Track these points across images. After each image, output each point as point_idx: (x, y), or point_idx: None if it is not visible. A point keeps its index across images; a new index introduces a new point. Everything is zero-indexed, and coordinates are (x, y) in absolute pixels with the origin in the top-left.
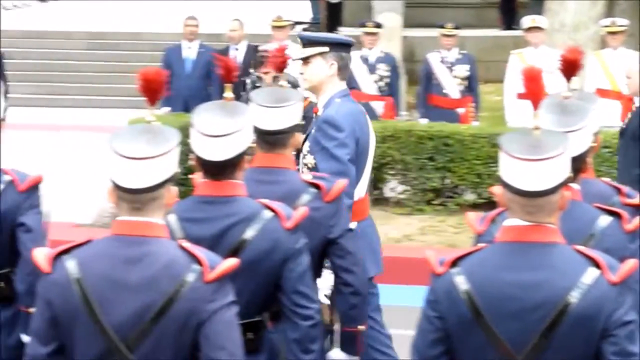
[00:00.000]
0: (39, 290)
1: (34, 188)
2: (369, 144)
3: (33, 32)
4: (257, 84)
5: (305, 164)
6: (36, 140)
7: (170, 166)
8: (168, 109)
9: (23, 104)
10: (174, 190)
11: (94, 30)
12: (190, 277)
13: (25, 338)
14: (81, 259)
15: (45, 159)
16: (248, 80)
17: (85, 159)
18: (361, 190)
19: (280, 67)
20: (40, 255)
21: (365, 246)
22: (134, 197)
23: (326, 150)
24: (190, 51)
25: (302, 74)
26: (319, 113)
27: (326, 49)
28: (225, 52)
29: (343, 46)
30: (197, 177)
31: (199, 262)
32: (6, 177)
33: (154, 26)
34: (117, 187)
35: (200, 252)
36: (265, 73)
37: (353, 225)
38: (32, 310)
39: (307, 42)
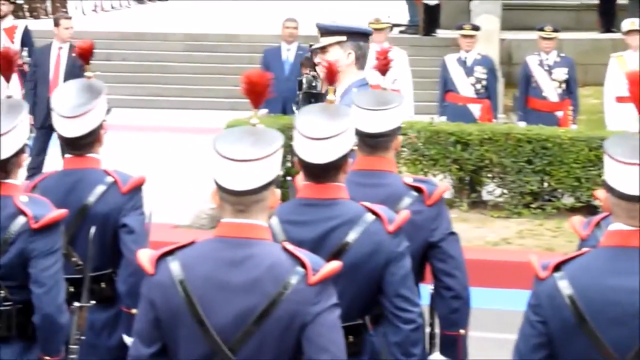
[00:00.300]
0: (143, 291)
1: (136, 189)
2: None
3: (131, 34)
4: (313, 84)
5: None
6: (134, 142)
7: (274, 168)
8: (266, 110)
9: (121, 105)
10: (277, 192)
11: (191, 32)
12: (294, 280)
13: (127, 339)
14: (185, 260)
15: (143, 160)
16: (304, 80)
17: (182, 161)
18: None
19: (384, 69)
20: (144, 257)
21: None
22: (237, 199)
23: None
24: (289, 53)
25: (319, 63)
26: (336, 102)
27: (344, 38)
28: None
29: (361, 35)
30: (299, 180)
31: (302, 264)
32: (109, 179)
33: (251, 28)
34: (221, 189)
35: (303, 254)
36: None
37: None
38: (133, 311)
39: (324, 31)
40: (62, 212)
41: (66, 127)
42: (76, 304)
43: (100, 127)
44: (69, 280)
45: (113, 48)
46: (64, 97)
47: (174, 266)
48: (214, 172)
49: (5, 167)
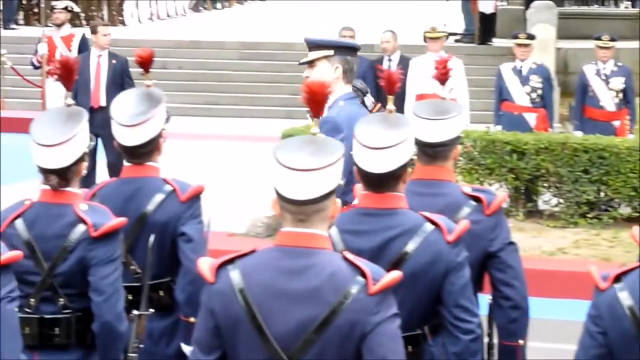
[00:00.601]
0: (203, 299)
1: (195, 198)
2: None
3: (187, 42)
4: None
5: None
6: (190, 150)
7: (335, 178)
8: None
9: (177, 114)
10: (338, 202)
11: (247, 40)
12: (354, 289)
13: (185, 347)
14: (245, 269)
15: (199, 168)
16: None
17: (238, 169)
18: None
19: (443, 78)
20: (205, 265)
21: None
22: (298, 209)
23: None
24: None
25: (307, 77)
26: (323, 115)
27: (331, 52)
28: (379, 62)
29: (348, 50)
30: (358, 189)
31: (362, 274)
32: (168, 187)
33: (308, 36)
34: (282, 198)
35: (363, 264)
36: None
37: None
38: (192, 319)
39: (312, 46)
40: (122, 220)
41: (125, 135)
42: (135, 312)
43: (159, 135)
44: (128, 288)
45: (169, 56)
46: (124, 105)
47: (234, 275)
48: (274, 181)
49: (65, 175)
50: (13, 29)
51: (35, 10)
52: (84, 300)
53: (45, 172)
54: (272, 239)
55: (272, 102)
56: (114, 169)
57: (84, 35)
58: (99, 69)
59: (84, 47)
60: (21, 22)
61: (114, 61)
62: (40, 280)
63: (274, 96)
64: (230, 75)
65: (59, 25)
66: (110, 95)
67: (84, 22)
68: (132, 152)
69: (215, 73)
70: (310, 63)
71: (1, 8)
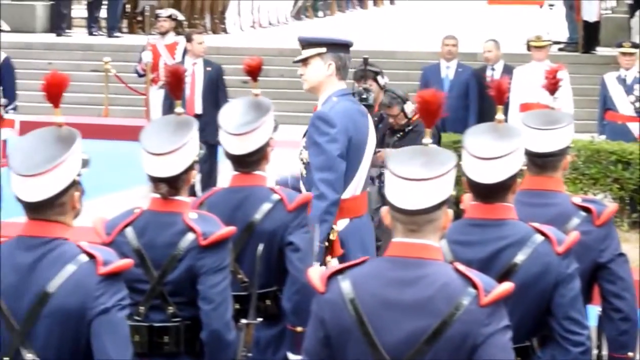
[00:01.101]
0: (313, 309)
1: (302, 207)
2: (365, 144)
3: (288, 50)
4: (364, 96)
5: (301, 159)
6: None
7: (447, 188)
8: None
9: (279, 122)
10: (450, 212)
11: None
12: (466, 300)
13: (292, 356)
14: (355, 279)
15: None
16: (355, 93)
17: None
18: (356, 188)
19: (553, 88)
20: (315, 275)
21: (356, 243)
22: (410, 219)
23: (317, 145)
24: (448, 70)
25: (301, 75)
26: (315, 110)
27: (323, 49)
28: (482, 72)
29: (341, 46)
30: (466, 199)
31: (474, 285)
32: (275, 196)
33: (408, 44)
34: (393, 208)
35: (475, 275)
36: (370, 85)
37: (344, 222)
38: (298, 328)
39: (305, 44)
40: (231, 229)
41: (233, 144)
42: (243, 320)
43: (267, 144)
44: (235, 297)
45: (271, 64)
46: (232, 114)
47: (345, 285)
48: (386, 191)
49: (175, 184)
50: (117, 37)
51: (139, 18)
52: (193, 308)
53: (155, 181)
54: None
55: None
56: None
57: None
58: (194, 76)
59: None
60: (125, 30)
61: (208, 68)
62: (150, 289)
63: None
64: None
65: (163, 34)
66: (205, 103)
67: (187, 30)
68: (240, 161)
69: None
70: (304, 61)
71: (105, 16)
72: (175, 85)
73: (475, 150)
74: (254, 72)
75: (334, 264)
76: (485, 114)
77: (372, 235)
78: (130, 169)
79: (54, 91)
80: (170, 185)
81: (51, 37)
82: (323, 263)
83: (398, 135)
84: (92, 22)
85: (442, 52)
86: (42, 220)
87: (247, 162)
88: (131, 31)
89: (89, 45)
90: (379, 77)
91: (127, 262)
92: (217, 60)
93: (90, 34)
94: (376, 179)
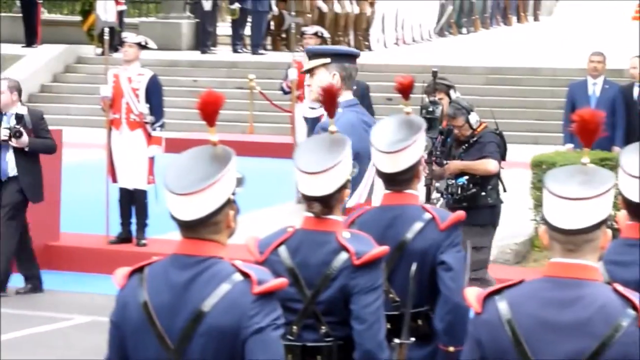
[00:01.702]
0: (470, 329)
1: (454, 226)
2: (369, 154)
3: (432, 67)
4: (430, 109)
5: None
6: None
7: (606, 208)
8: (571, 145)
9: None
10: (608, 232)
11: (493, 65)
12: (625, 322)
13: None
14: (512, 299)
15: None
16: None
17: None
18: (360, 196)
19: None
20: (472, 295)
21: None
22: (568, 239)
23: None
24: (595, 87)
25: (308, 85)
26: (321, 121)
27: (328, 60)
28: (629, 88)
29: (346, 57)
30: (621, 218)
31: (633, 306)
32: (427, 215)
33: (554, 61)
34: (551, 228)
35: (634, 296)
36: (440, 99)
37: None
38: (450, 348)
39: (311, 55)
40: (384, 249)
41: (385, 162)
42: (396, 340)
43: (418, 162)
44: (387, 316)
45: (416, 81)
46: (384, 132)
47: (502, 305)
48: (544, 210)
49: (328, 203)
50: (261, 54)
51: (283, 35)
52: (346, 328)
53: (309, 200)
54: (521, 266)
55: (518, 128)
56: None
57: None
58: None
59: None
60: (269, 47)
61: (354, 87)
62: (303, 308)
63: (520, 121)
64: (476, 101)
65: None
66: None
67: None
68: (392, 179)
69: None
70: (310, 71)
71: (249, 34)
72: (329, 103)
73: (631, 169)
74: (405, 90)
75: None
76: (632, 131)
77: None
78: (275, 186)
79: (209, 109)
80: (324, 204)
81: (196, 55)
82: None
83: (464, 147)
84: (236, 40)
85: (588, 68)
86: (197, 238)
87: (399, 181)
88: (275, 48)
89: (234, 63)
90: (451, 91)
91: (282, 281)
92: (360, 78)
93: (235, 51)
94: (444, 192)
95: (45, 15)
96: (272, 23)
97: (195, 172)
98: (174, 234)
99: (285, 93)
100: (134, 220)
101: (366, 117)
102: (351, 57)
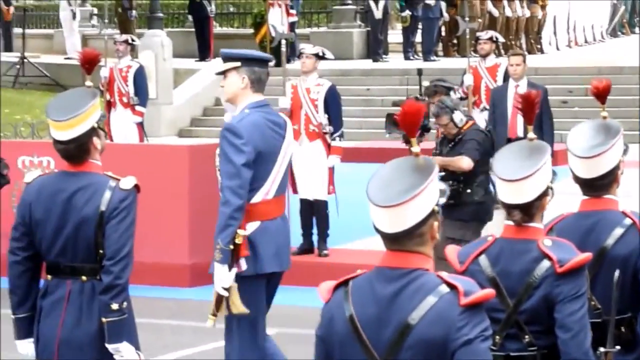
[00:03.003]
0: None
1: None
2: (277, 153)
3: (607, 68)
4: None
5: (217, 168)
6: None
7: None
8: None
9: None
10: None
11: None
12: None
13: None
14: None
15: None
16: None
17: None
18: (267, 193)
19: None
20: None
21: (267, 244)
22: None
23: (225, 155)
24: None
25: (222, 86)
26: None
27: (238, 63)
28: None
29: (256, 61)
30: None
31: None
32: (627, 221)
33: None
34: None
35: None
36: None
37: (255, 224)
38: None
39: (224, 58)
40: (587, 255)
41: (582, 167)
42: (601, 349)
43: (617, 167)
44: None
45: (589, 83)
46: (580, 137)
47: None
48: None
49: (528, 211)
50: (433, 60)
51: (454, 41)
52: (550, 337)
53: (509, 208)
54: None
55: None
56: None
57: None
58: (516, 99)
59: (506, 77)
60: (440, 53)
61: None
62: (506, 318)
63: None
64: None
65: (484, 56)
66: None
67: (502, 51)
68: (590, 185)
69: (622, 99)
70: (223, 73)
71: (420, 40)
72: (527, 111)
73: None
74: (601, 93)
75: (242, 264)
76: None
77: (287, 237)
78: None
79: (410, 120)
80: (524, 212)
81: (368, 63)
82: (231, 266)
83: (450, 145)
84: (408, 47)
85: None
86: (402, 251)
87: (597, 186)
88: (446, 54)
89: (406, 70)
90: (451, 93)
91: (489, 292)
92: (535, 81)
93: (407, 58)
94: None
95: (217, 29)
96: (443, 29)
97: (398, 184)
98: (356, 243)
99: (462, 99)
100: (315, 231)
101: (274, 116)
102: (262, 62)
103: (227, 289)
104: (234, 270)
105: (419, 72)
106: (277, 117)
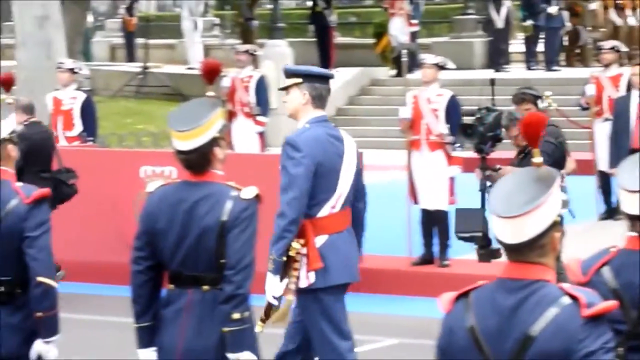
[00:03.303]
0: None
1: None
2: (339, 167)
3: None
4: (479, 116)
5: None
6: None
7: None
8: None
9: None
10: None
11: None
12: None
13: None
14: None
15: None
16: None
17: None
18: (333, 206)
19: None
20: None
21: (336, 257)
22: None
23: (284, 168)
24: None
25: (285, 102)
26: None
27: (300, 80)
28: None
29: (317, 78)
30: None
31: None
32: None
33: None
34: None
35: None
36: (528, 109)
37: (323, 238)
38: None
39: (287, 74)
40: None
41: None
42: None
43: None
44: None
45: None
46: None
47: None
48: None
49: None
50: (555, 70)
51: (577, 51)
52: None
53: (632, 219)
54: None
55: None
56: None
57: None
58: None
59: (629, 87)
60: (563, 63)
61: None
62: (628, 330)
63: None
64: None
65: (607, 66)
66: None
67: (625, 61)
68: None
69: None
70: (285, 89)
71: (543, 50)
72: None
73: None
74: None
75: (310, 277)
76: None
77: (355, 249)
78: (576, 202)
79: (532, 131)
80: None
81: (490, 73)
82: (282, 277)
83: (521, 155)
84: (530, 57)
85: None
86: (523, 262)
87: None
88: (569, 64)
89: (528, 80)
90: (538, 101)
91: (611, 303)
92: None
93: (529, 68)
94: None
95: (338, 39)
96: (564, 38)
97: (520, 194)
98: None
99: (584, 109)
100: (436, 241)
101: (334, 131)
102: (323, 78)
103: (278, 299)
104: (286, 281)
105: (492, 82)
106: (337, 132)
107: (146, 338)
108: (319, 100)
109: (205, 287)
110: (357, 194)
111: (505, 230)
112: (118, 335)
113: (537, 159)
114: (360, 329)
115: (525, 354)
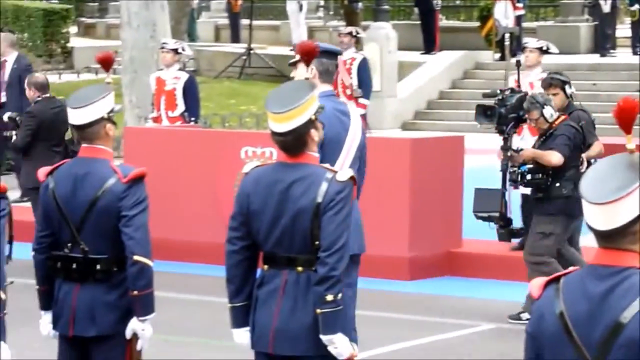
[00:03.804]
0: None
1: None
2: (342, 141)
3: None
4: (501, 97)
5: None
6: None
7: None
8: None
9: None
10: None
11: None
12: None
13: None
14: None
15: None
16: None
17: None
18: None
19: None
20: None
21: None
22: None
23: None
24: None
25: (292, 77)
26: None
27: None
28: None
29: (324, 53)
30: None
31: None
32: None
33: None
34: None
35: None
36: (556, 94)
37: None
38: None
39: (294, 50)
40: None
41: None
42: None
43: None
44: None
45: None
46: None
47: None
48: None
49: None
50: None
51: None
52: None
53: None
54: None
55: None
56: None
57: None
58: None
59: None
60: None
61: None
62: None
63: None
64: None
65: None
66: None
67: None
68: None
69: None
70: (293, 64)
71: (630, 35)
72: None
73: None
74: None
75: None
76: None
77: (358, 221)
78: None
79: (626, 116)
80: None
81: (595, 58)
82: None
83: (542, 139)
84: (636, 42)
85: None
86: (614, 249)
87: None
88: None
89: (634, 65)
90: (566, 87)
91: None
92: None
93: (635, 53)
94: (509, 178)
95: (443, 22)
96: None
97: (612, 180)
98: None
99: None
100: None
101: (341, 105)
102: (331, 54)
103: None
104: None
105: (518, 63)
106: (344, 106)
107: (240, 318)
108: (326, 75)
109: (300, 269)
110: (360, 168)
111: (597, 217)
112: (213, 315)
113: (630, 145)
114: (458, 313)
115: (615, 341)
